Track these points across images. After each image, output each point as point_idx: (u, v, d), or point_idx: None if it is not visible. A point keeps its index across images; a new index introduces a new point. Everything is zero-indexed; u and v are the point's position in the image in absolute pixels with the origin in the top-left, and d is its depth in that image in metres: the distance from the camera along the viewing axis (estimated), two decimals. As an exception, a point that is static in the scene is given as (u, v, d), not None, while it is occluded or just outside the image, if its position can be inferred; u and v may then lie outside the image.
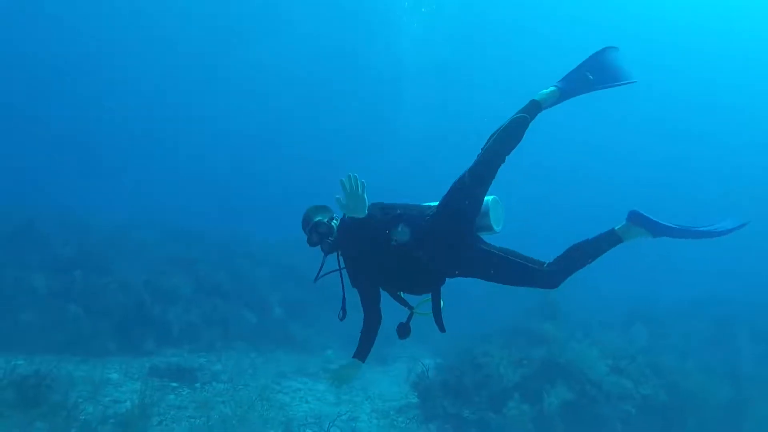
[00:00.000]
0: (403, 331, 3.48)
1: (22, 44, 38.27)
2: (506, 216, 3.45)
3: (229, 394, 8.28)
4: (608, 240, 3.19)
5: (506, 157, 3.23)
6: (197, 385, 8.50)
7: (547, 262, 3.21)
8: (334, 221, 3.49)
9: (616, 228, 3.21)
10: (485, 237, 3.41)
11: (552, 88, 3.39)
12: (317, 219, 3.46)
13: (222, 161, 45.39)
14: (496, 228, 3.34)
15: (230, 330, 11.46)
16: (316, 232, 3.43)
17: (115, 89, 43.23)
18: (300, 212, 3.60)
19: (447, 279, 3.41)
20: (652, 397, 7.81)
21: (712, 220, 3.18)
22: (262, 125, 48.06)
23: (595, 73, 3.40)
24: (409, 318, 3.48)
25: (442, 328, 3.43)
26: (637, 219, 3.13)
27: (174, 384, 8.37)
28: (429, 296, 3.46)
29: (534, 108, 3.30)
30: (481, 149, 3.26)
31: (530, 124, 3.28)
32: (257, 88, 45.53)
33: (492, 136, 3.25)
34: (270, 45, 40.96)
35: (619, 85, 3.44)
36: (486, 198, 3.31)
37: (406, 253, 3.21)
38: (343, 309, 3.56)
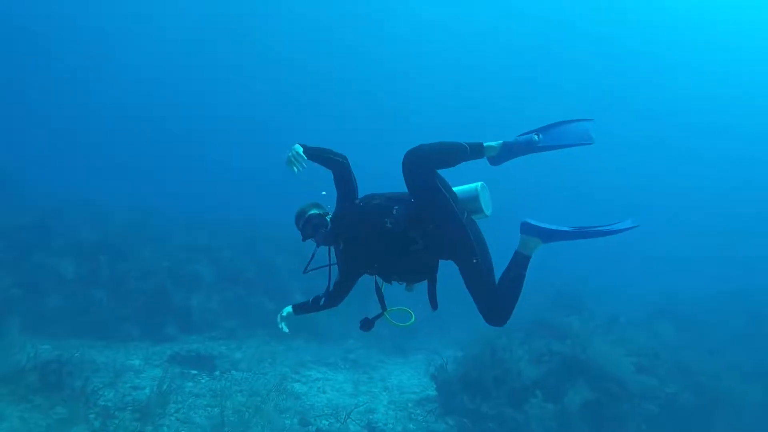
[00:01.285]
0: (367, 325, 3.53)
1: (34, 38, 38.97)
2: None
3: (247, 382, 8.31)
4: (517, 263, 3.27)
5: (434, 168, 3.26)
6: (216, 373, 8.55)
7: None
8: (328, 216, 3.56)
9: (516, 250, 3.29)
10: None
11: (500, 141, 3.37)
12: (311, 212, 3.56)
13: (245, 149, 45.71)
14: (486, 211, 3.43)
15: (251, 318, 11.53)
16: (309, 225, 3.52)
17: (130, 80, 43.81)
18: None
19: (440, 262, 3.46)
20: (678, 396, 7.58)
21: (610, 220, 3.22)
22: (283, 111, 48.34)
23: (543, 136, 3.35)
24: (377, 317, 3.50)
25: (434, 306, 3.49)
26: (526, 229, 3.23)
27: (193, 371, 8.43)
28: (403, 307, 3.52)
29: (477, 147, 3.32)
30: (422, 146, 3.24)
31: (467, 161, 3.33)
32: (273, 74, 45.73)
33: (437, 143, 3.25)
34: (286, 30, 41.10)
35: (561, 147, 3.38)
36: (474, 184, 3.42)
37: (401, 234, 3.28)
38: (327, 294, 3.70)
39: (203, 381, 8.13)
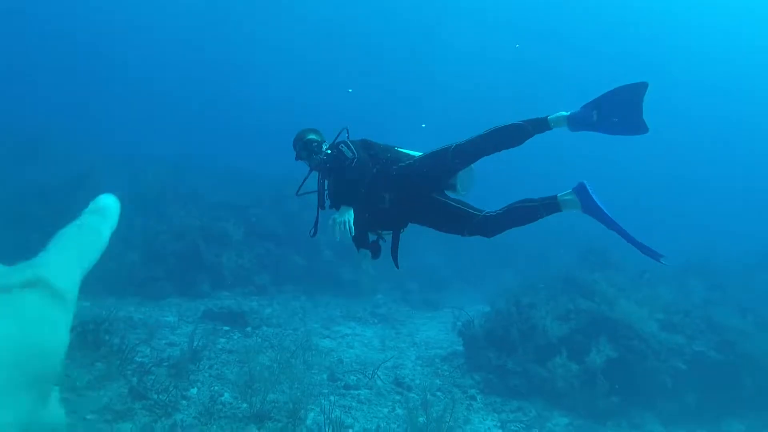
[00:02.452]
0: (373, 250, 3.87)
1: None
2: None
3: (277, 338, 8.56)
4: (547, 207, 3.36)
5: (495, 153, 3.48)
6: (248, 329, 8.81)
7: (487, 211, 3.50)
8: (325, 144, 3.88)
9: (558, 195, 3.34)
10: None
11: (563, 114, 3.47)
12: (310, 137, 3.87)
13: (274, 104, 45.65)
14: (461, 191, 3.64)
15: (281, 274, 11.77)
16: (305, 149, 3.84)
17: (168, 38, 43.78)
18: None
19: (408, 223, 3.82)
20: (706, 354, 7.50)
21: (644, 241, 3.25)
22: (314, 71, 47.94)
23: (601, 113, 3.43)
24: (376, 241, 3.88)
25: (396, 265, 3.84)
26: (578, 190, 3.27)
27: (226, 327, 8.70)
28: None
29: (541, 124, 3.44)
30: (480, 134, 3.49)
31: (533, 137, 3.49)
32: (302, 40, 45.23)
33: (494, 127, 3.46)
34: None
35: (626, 133, 3.48)
36: None
37: (375, 191, 3.62)
38: (315, 228, 3.94)
39: (235, 337, 8.40)
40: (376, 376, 7.55)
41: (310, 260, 12.58)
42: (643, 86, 3.35)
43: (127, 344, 6.76)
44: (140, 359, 6.74)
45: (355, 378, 7.48)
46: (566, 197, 3.31)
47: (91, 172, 13.93)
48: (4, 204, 11.00)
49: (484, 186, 3.98)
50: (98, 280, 9.72)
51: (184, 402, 5.93)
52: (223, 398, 6.13)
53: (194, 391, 6.24)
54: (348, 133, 3.90)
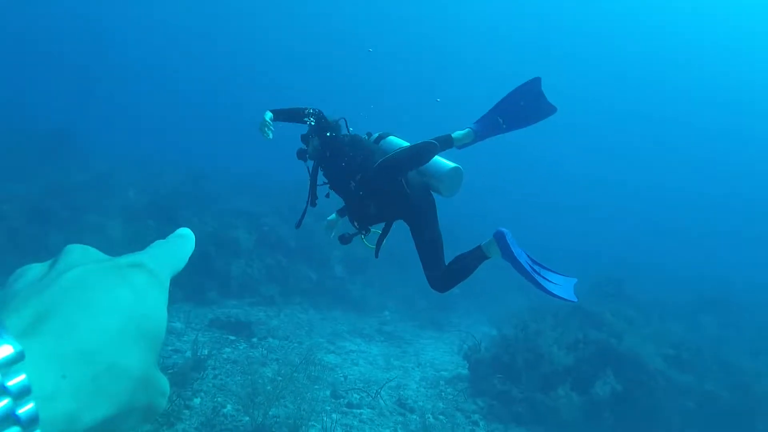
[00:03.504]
0: (344, 240, 3.93)
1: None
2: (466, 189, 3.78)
3: (282, 351, 8.54)
4: (476, 256, 3.45)
5: (406, 172, 3.57)
6: (254, 339, 8.80)
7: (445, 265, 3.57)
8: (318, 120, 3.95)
9: (481, 244, 3.44)
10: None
11: (468, 130, 3.73)
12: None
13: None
14: (444, 195, 3.67)
15: (290, 285, 11.76)
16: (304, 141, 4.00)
17: (188, 46, 44.35)
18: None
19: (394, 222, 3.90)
20: (717, 394, 7.36)
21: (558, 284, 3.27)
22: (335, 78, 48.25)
23: (505, 119, 3.71)
24: (353, 235, 3.94)
25: (376, 255, 3.95)
26: (498, 238, 3.32)
27: (232, 337, 8.70)
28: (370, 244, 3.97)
29: (446, 140, 3.65)
30: (387, 155, 3.55)
31: (438, 154, 3.64)
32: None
33: (402, 148, 3.56)
34: None
35: (527, 125, 3.75)
36: (447, 164, 3.62)
37: (359, 196, 3.72)
38: (302, 217, 4.21)
39: (241, 347, 8.39)
40: (379, 395, 7.49)
41: (321, 274, 12.58)
42: (537, 81, 3.69)
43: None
44: (145, 365, 6.73)
45: (358, 396, 7.42)
46: (489, 246, 3.40)
47: (111, 174, 14.13)
48: (26, 202, 11.16)
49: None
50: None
51: (186, 412, 5.91)
52: (225, 410, 6.10)
53: (197, 401, 6.23)
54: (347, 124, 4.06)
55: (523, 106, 3.70)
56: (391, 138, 3.93)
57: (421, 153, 3.50)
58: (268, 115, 3.71)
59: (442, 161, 3.64)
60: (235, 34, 45.53)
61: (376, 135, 4.03)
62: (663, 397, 7.22)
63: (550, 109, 3.72)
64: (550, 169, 42.45)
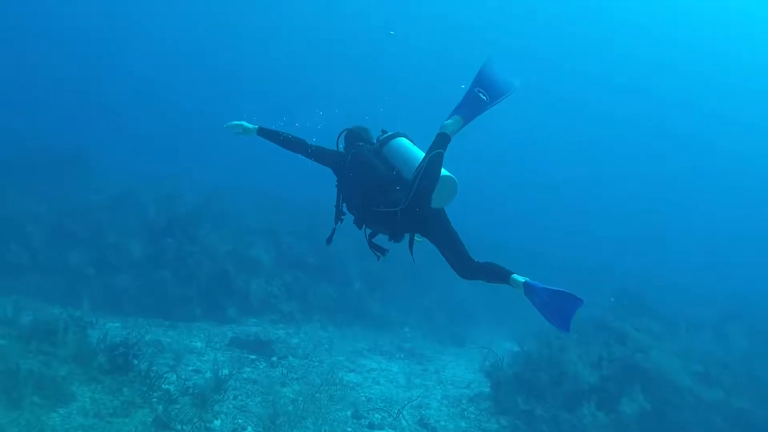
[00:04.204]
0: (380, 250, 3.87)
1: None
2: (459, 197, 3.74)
3: (303, 370, 8.47)
4: (502, 276, 3.44)
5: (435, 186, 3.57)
6: (274, 359, 8.74)
7: (476, 260, 3.54)
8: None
9: (513, 276, 3.40)
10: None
11: (455, 117, 3.64)
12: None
13: (313, 133, 46.26)
14: (433, 205, 3.61)
15: (310, 303, 11.72)
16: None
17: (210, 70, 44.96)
18: None
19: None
20: (748, 411, 7.13)
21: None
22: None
23: (486, 92, 3.67)
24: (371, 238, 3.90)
25: (412, 257, 3.86)
26: (529, 290, 3.30)
27: (252, 356, 8.66)
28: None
29: (445, 141, 3.56)
30: (412, 186, 3.51)
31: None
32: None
33: (417, 174, 3.51)
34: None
35: (507, 96, 3.73)
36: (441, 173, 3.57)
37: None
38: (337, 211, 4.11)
39: (261, 367, 8.34)
40: (401, 415, 7.38)
41: (340, 291, 12.53)
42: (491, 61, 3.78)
43: (155, 370, 6.76)
44: (166, 386, 6.72)
45: (379, 416, 7.32)
46: (515, 281, 3.39)
47: (128, 193, 14.27)
48: (46, 222, 11.32)
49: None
50: (128, 300, 9.88)
51: (207, 434, 5.87)
52: (245, 432, 6.05)
53: (218, 423, 6.19)
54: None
55: (495, 79, 3.75)
56: (401, 141, 3.89)
57: (436, 169, 3.53)
58: (252, 127, 4.10)
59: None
60: (251, 51, 46.03)
61: (389, 134, 3.96)
62: (692, 414, 7.02)
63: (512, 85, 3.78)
64: (550, 178, 42.04)
